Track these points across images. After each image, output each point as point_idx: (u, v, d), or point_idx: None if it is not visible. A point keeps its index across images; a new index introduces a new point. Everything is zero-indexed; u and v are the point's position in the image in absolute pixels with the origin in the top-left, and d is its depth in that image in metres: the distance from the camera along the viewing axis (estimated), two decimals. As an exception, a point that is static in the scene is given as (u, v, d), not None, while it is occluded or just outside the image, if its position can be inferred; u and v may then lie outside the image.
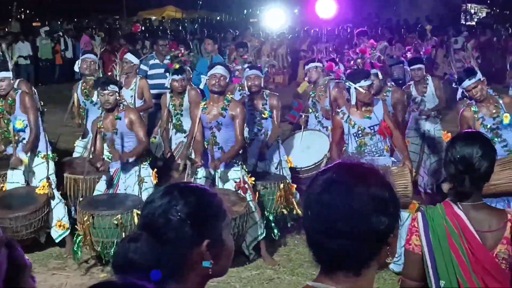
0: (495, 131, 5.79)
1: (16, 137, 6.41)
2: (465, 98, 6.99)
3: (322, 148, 7.45)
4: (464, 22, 27.68)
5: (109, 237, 5.75)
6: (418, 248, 2.89)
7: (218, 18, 35.91)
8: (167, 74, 7.76)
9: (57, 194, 6.59)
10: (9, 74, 6.52)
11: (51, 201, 6.46)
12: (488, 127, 5.81)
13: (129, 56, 8.43)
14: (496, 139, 5.67)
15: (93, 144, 6.41)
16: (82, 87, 7.90)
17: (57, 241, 6.58)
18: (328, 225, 1.56)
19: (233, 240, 1.89)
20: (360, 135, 5.97)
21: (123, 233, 5.54)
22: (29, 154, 6.50)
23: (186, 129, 7.44)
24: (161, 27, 27.68)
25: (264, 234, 6.34)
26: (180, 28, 27.60)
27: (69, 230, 6.57)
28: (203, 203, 1.79)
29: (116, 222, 5.65)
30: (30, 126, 6.44)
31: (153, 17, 34.40)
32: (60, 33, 21.82)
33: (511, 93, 9.71)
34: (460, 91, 6.29)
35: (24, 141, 6.48)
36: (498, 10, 32.38)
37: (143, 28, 25.99)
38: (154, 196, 1.83)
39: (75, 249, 6.16)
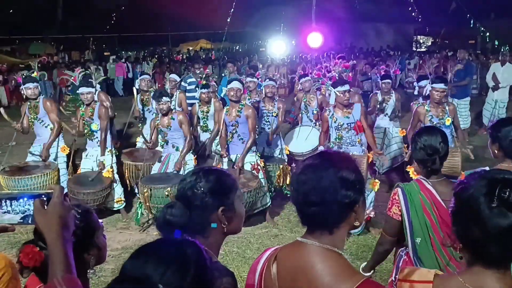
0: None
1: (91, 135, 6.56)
2: (420, 98, 7.01)
3: (316, 140, 7.50)
4: (415, 49, 27.45)
5: (162, 204, 5.76)
6: (396, 216, 2.92)
7: (237, 47, 35.86)
8: (197, 88, 7.82)
9: (117, 177, 6.63)
10: (92, 89, 6.54)
11: (113, 183, 6.50)
12: (434, 123, 5.82)
13: (173, 76, 8.51)
14: None
15: (151, 136, 6.55)
16: (141, 99, 8.01)
17: (115, 209, 6.65)
18: (304, 197, 1.58)
19: (244, 208, 1.93)
20: (339, 129, 5.91)
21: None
22: (104, 152, 6.53)
23: (210, 129, 7.50)
24: (196, 55, 27.71)
25: (270, 203, 6.36)
26: (210, 55, 27.62)
27: (124, 204, 6.65)
28: (220, 181, 1.83)
29: (166, 193, 5.69)
30: (100, 129, 6.47)
31: (191, 48, 34.41)
32: (123, 60, 21.93)
33: (450, 100, 9.69)
34: (427, 88, 6.22)
35: (97, 140, 6.53)
36: (440, 40, 32.12)
37: (183, 57, 26.08)
38: (186, 175, 1.88)
39: (137, 213, 6.28)
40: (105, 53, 26.39)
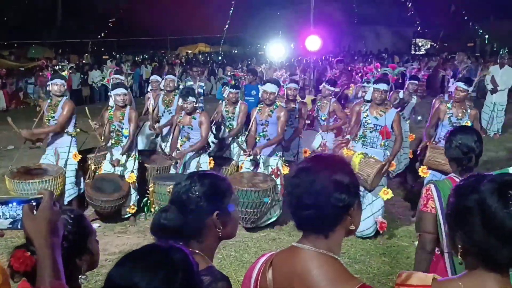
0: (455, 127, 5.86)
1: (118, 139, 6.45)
2: (446, 96, 7.11)
3: (314, 144, 7.61)
4: (414, 52, 27.49)
5: (165, 201, 5.72)
6: (433, 209, 2.88)
7: (236, 51, 35.82)
8: (226, 87, 7.69)
9: (136, 185, 6.57)
10: (127, 91, 6.39)
11: (132, 189, 6.47)
12: (452, 122, 5.95)
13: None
14: None
15: (172, 132, 6.59)
16: (163, 99, 7.93)
17: (125, 216, 6.58)
18: (297, 200, 1.57)
19: (239, 212, 1.91)
20: (365, 126, 5.89)
21: None
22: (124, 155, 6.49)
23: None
24: (194, 58, 27.75)
25: (281, 212, 6.28)
26: (208, 58, 27.67)
27: (135, 211, 6.58)
28: (214, 185, 1.81)
29: (168, 190, 5.63)
30: (129, 134, 6.40)
31: (189, 51, 34.42)
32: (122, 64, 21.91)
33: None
34: (453, 86, 6.36)
35: (122, 144, 6.46)
36: (439, 43, 32.17)
37: (182, 60, 26.11)
38: (181, 179, 1.85)
39: (145, 208, 6.40)
40: (104, 57, 26.40)
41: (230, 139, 7.38)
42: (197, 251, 1.74)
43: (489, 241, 1.41)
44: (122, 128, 6.40)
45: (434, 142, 6.06)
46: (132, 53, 30.36)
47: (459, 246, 1.51)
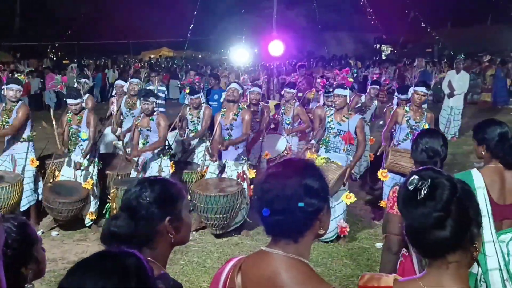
0: (413, 130, 5.98)
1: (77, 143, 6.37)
2: (395, 106, 7.23)
3: (279, 148, 7.61)
4: (374, 57, 28.00)
5: None
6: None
7: (200, 56, 35.64)
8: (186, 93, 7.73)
9: (96, 192, 6.42)
10: (80, 100, 6.30)
11: (91, 196, 6.32)
12: (410, 125, 6.03)
13: (119, 82, 8.40)
14: (410, 135, 5.95)
15: (132, 134, 6.54)
16: (126, 102, 7.86)
17: (87, 225, 6.44)
18: (266, 205, 1.55)
19: (191, 218, 1.88)
20: (329, 131, 5.95)
21: None
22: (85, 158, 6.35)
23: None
24: (157, 63, 27.51)
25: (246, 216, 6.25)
26: (170, 64, 27.46)
27: (95, 218, 6.45)
28: (165, 190, 1.78)
29: None
30: (89, 137, 6.28)
31: (152, 56, 34.07)
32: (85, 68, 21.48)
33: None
34: (411, 90, 6.51)
35: (82, 147, 6.33)
36: (398, 48, 32.92)
37: (143, 64, 25.81)
38: (131, 186, 1.81)
39: (105, 213, 6.20)
40: (64, 61, 25.84)
41: (195, 142, 7.32)
42: (149, 258, 1.70)
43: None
44: (80, 132, 6.31)
45: (393, 145, 6.16)
46: (93, 57, 29.78)
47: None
